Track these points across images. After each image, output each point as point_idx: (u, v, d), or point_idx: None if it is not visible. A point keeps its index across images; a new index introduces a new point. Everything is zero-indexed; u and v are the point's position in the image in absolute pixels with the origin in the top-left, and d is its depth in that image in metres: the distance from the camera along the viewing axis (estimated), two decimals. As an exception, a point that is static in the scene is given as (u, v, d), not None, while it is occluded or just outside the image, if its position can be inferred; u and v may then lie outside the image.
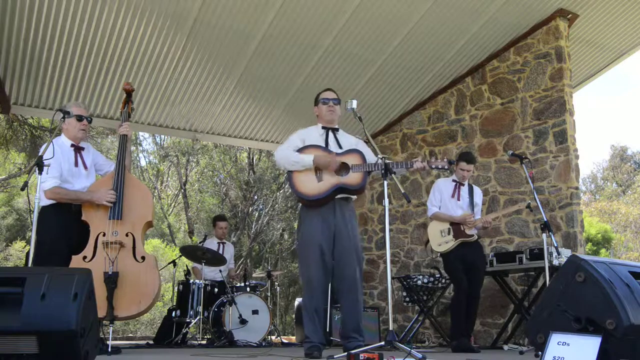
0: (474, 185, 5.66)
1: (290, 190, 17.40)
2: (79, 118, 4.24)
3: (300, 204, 4.08)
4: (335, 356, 3.45)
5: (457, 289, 5.30)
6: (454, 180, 5.50)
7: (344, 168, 3.92)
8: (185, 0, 5.89)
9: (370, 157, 4.03)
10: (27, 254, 3.65)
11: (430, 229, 5.52)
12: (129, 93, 4.53)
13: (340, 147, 4.02)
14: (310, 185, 3.86)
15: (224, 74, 7.13)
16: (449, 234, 5.34)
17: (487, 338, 6.72)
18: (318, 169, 3.89)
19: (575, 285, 2.50)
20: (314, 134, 4.06)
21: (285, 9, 6.11)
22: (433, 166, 3.91)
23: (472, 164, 5.50)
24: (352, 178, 3.88)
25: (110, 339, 3.94)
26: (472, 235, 5.34)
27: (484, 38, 6.98)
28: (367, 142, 4.33)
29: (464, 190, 5.49)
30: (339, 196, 3.92)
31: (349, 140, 4.12)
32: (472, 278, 5.27)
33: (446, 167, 3.93)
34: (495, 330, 6.62)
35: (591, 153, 48.94)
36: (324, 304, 4.05)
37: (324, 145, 3.99)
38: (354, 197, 4.08)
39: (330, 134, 4.07)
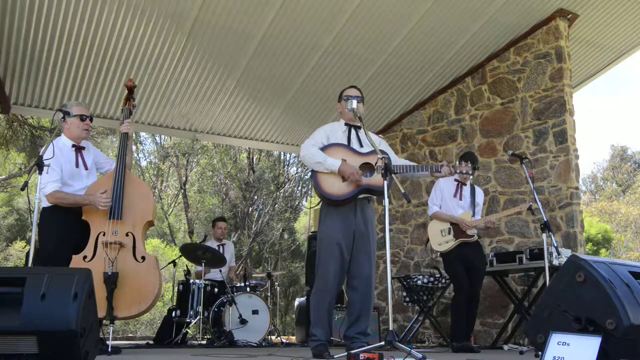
0: (475, 186, 5.65)
1: (290, 190, 17.43)
2: (82, 118, 4.23)
3: (322, 203, 4.05)
4: (335, 356, 3.45)
5: (458, 290, 5.30)
6: (455, 180, 5.49)
7: (368, 168, 3.92)
8: (185, 0, 5.89)
9: (394, 158, 4.06)
10: (27, 254, 3.65)
11: (430, 228, 5.52)
12: (130, 90, 4.50)
13: (362, 145, 4.02)
14: (336, 185, 3.85)
15: (224, 74, 7.14)
16: (449, 233, 5.33)
17: (487, 338, 6.72)
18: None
19: (575, 285, 2.50)
20: (338, 131, 4.06)
21: (285, 9, 6.12)
22: (458, 171, 4.03)
23: (474, 164, 5.50)
24: (377, 179, 3.85)
25: (110, 339, 3.94)
26: (473, 236, 5.34)
27: (484, 38, 6.98)
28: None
29: (466, 190, 5.49)
30: (360, 196, 3.92)
31: (371, 138, 4.12)
32: (472, 278, 5.27)
33: (470, 172, 4.12)
34: (495, 330, 6.62)
35: (591, 153, 48.97)
36: (335, 304, 4.04)
37: (346, 143, 3.99)
38: (374, 197, 4.08)
39: (353, 131, 4.08)
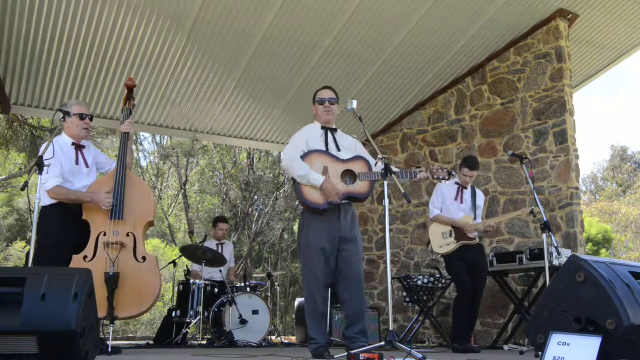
0: (476, 188, 5.65)
1: (290, 190, 17.42)
2: (82, 116, 4.23)
3: (303, 209, 4.05)
4: (335, 356, 3.45)
5: (461, 291, 5.29)
6: (456, 183, 5.50)
7: (350, 175, 3.92)
8: (185, 0, 5.89)
9: (372, 161, 4.04)
10: (27, 254, 3.64)
11: (431, 230, 5.52)
12: (130, 89, 4.49)
13: (339, 149, 4.00)
14: (318, 194, 3.82)
15: (224, 74, 7.14)
16: (450, 235, 5.34)
17: (487, 338, 6.72)
18: (325, 173, 3.86)
19: (575, 285, 2.50)
20: (315, 135, 4.02)
21: (285, 9, 6.11)
22: (435, 177, 3.97)
23: (475, 170, 5.50)
24: (360, 186, 3.89)
25: (110, 339, 3.94)
26: (474, 238, 5.33)
27: (484, 38, 6.98)
28: (366, 142, 4.32)
29: (467, 193, 5.49)
30: (343, 201, 3.91)
31: (347, 141, 4.10)
32: (474, 280, 5.27)
33: (446, 177, 4.00)
34: (495, 330, 6.62)
35: (591, 153, 48.96)
36: (327, 306, 4.04)
37: (324, 148, 3.96)
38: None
39: (329, 134, 4.04)
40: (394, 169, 3.99)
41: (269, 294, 7.43)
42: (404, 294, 6.71)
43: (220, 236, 7.50)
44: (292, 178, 3.91)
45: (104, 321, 3.90)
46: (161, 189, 18.93)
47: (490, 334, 6.70)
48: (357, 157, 3.98)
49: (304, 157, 3.89)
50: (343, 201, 3.90)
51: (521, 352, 4.82)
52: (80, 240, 4.00)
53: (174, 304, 6.94)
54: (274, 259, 17.87)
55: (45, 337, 2.26)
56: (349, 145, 4.07)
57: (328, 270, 3.86)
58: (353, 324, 3.87)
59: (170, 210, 19.50)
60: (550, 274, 4.84)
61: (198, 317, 6.37)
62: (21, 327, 2.24)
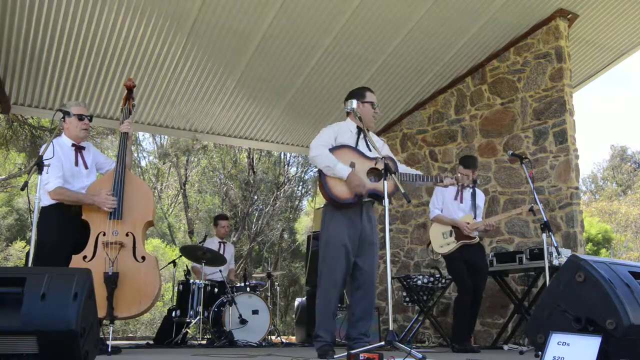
0: (476, 188, 5.65)
1: (290, 191, 17.43)
2: (80, 117, 4.23)
3: (325, 204, 4.04)
4: (335, 356, 3.45)
5: (462, 291, 5.28)
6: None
7: (376, 173, 3.93)
8: (185, 0, 5.89)
9: (398, 164, 4.09)
10: (27, 254, 3.64)
11: (432, 230, 5.53)
12: (130, 89, 4.49)
13: (369, 150, 4.02)
14: (343, 188, 3.84)
15: (224, 74, 7.14)
16: (450, 235, 5.34)
17: (487, 338, 6.72)
18: (352, 168, 3.88)
19: (575, 285, 2.50)
20: (346, 133, 4.03)
21: (285, 9, 6.12)
22: (459, 183, 4.26)
23: (469, 169, 5.42)
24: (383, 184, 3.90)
25: (110, 339, 3.94)
26: (474, 238, 5.33)
27: (484, 38, 6.98)
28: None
29: (467, 192, 5.49)
30: (365, 199, 3.92)
31: (378, 143, 4.12)
32: (475, 279, 5.27)
33: (471, 185, 4.58)
34: (495, 330, 6.62)
35: (591, 153, 48.93)
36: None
37: (354, 146, 3.98)
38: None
39: (361, 135, 4.06)
40: (415, 172, 4.13)
41: (269, 294, 7.42)
42: (404, 294, 6.71)
43: (222, 234, 7.50)
44: (318, 170, 3.92)
45: (104, 321, 3.89)
46: (161, 189, 18.92)
47: (490, 334, 6.70)
48: (385, 157, 3.99)
49: (333, 150, 3.92)
50: (366, 199, 3.91)
51: (521, 352, 4.82)
52: (80, 240, 4.00)
53: (174, 304, 6.93)
54: (274, 259, 17.88)
55: (45, 337, 2.26)
56: (379, 148, 4.07)
57: (347, 270, 3.87)
58: (358, 324, 3.88)
59: (170, 210, 19.50)
60: (550, 274, 4.83)
61: (198, 317, 6.36)
62: (21, 327, 2.24)
